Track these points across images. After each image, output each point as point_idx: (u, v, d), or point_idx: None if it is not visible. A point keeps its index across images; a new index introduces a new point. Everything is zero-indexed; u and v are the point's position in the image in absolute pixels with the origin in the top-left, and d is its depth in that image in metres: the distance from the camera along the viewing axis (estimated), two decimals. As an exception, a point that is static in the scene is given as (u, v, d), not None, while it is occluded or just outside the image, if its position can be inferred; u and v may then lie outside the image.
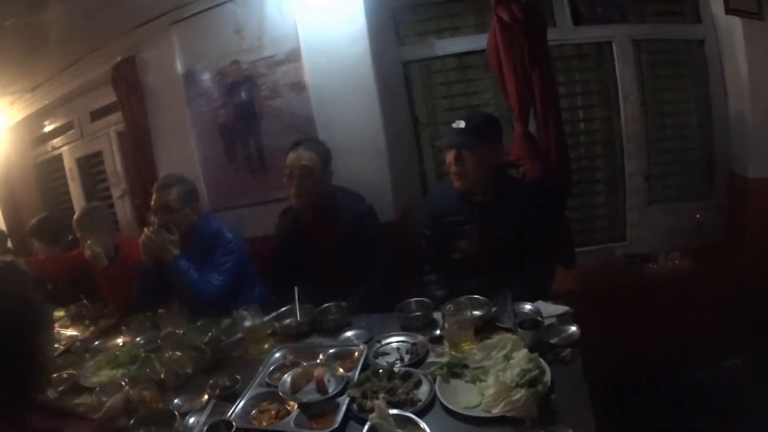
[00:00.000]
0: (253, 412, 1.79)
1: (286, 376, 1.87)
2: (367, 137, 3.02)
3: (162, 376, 2.13)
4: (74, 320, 3.11)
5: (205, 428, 1.66)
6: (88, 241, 3.15)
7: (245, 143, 3.41)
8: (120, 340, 2.67)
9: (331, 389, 1.74)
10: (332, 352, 2.00)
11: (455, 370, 1.66)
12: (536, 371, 1.46)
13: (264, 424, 1.71)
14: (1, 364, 1.27)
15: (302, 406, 1.72)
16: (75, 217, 3.20)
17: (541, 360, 1.55)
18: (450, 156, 2.31)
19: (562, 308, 1.89)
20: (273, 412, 1.76)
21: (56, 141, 4.74)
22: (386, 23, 3.18)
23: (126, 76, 3.63)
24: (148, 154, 3.80)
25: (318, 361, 1.95)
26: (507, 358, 1.57)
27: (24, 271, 1.53)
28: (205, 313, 2.63)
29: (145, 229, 2.76)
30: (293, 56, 3.13)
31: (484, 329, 1.90)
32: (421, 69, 3.28)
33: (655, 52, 3.21)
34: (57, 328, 3.06)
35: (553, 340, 1.69)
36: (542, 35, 2.51)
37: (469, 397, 1.53)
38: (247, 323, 2.30)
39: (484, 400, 1.46)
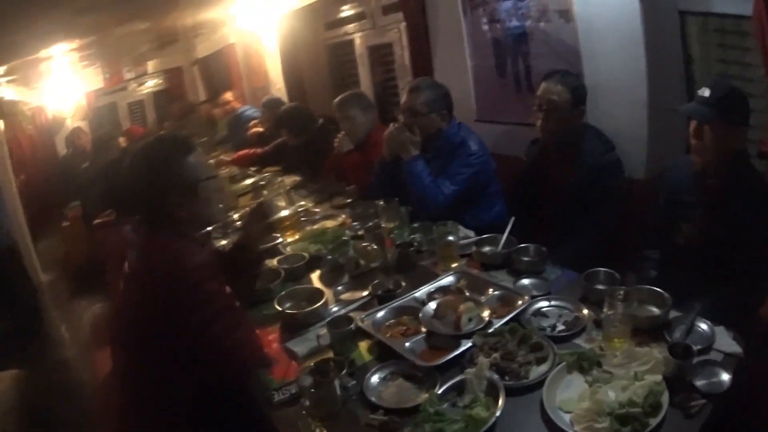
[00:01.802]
0: (391, 321, 1.86)
1: (436, 300, 1.86)
2: (627, 83, 2.66)
3: (343, 261, 2.33)
4: (318, 194, 3.54)
5: (329, 318, 1.81)
6: (339, 134, 3.55)
7: (514, 61, 3.34)
8: (340, 219, 2.98)
9: (465, 329, 1.69)
10: (497, 294, 1.93)
11: (584, 363, 1.45)
12: (640, 410, 1.20)
13: (387, 335, 1.77)
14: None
15: (429, 333, 1.73)
16: (338, 98, 3.50)
17: (663, 397, 1.25)
18: (692, 127, 1.96)
19: (736, 347, 1.46)
20: (404, 329, 1.80)
21: (349, 27, 5.14)
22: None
23: (407, -21, 3.75)
24: (426, 55, 3.96)
25: (483, 297, 1.90)
26: (637, 377, 1.31)
27: (180, 141, 1.79)
28: (427, 217, 2.70)
29: (391, 125, 2.91)
30: (562, -19, 2.86)
31: (651, 333, 1.58)
32: (698, 23, 2.66)
33: None
34: (293, 196, 3.56)
35: (698, 382, 1.33)
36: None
37: (570, 399, 1.35)
38: (450, 238, 2.31)
39: (575, 410, 1.27)
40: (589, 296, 1.84)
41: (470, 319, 1.72)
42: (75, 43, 5.12)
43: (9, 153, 5.91)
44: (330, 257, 2.40)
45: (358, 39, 5.10)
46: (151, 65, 9.68)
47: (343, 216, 3.03)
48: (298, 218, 2.97)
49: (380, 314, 1.88)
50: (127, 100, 10.35)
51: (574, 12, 2.82)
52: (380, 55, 4.95)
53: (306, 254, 2.45)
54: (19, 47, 4.39)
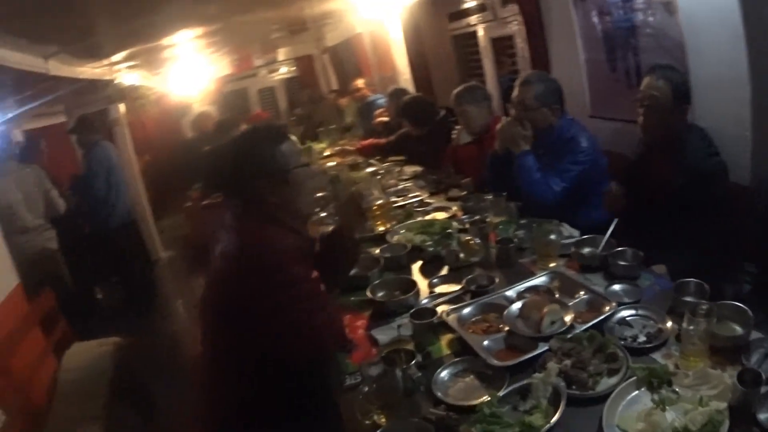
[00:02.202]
0: (477, 317, 1.90)
1: (524, 300, 1.88)
2: (730, 80, 2.46)
3: (444, 253, 2.40)
4: (434, 185, 3.65)
5: (413, 310, 1.89)
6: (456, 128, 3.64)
7: (624, 56, 3.21)
8: (452, 211, 3.06)
9: (546, 331, 1.69)
10: (587, 297, 1.91)
11: (654, 381, 1.40)
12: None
13: (469, 330, 1.82)
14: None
15: (509, 332, 1.75)
16: (455, 91, 3.57)
17: (723, 427, 1.19)
18: None
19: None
20: (487, 325, 1.84)
21: (472, 19, 5.12)
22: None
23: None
24: (542, 48, 3.93)
25: (572, 300, 1.90)
26: (702, 402, 1.27)
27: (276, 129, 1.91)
28: (536, 213, 2.71)
29: (503, 118, 2.95)
30: (664, -28, 2.67)
31: (729, 353, 1.49)
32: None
33: None
34: (411, 184, 3.72)
35: (762, 415, 1.23)
36: None
37: (630, 417, 1.31)
38: (551, 237, 2.30)
39: (630, 431, 1.26)
40: (676, 308, 1.76)
41: (553, 322, 1.72)
42: (199, 31, 5.18)
43: (131, 135, 6.35)
44: (432, 249, 2.47)
45: (481, 30, 5.08)
46: (281, 53, 9.97)
47: (455, 208, 3.09)
48: (389, 208, 3.04)
49: (467, 309, 1.92)
50: (257, 87, 10.75)
51: (677, 3, 2.66)
52: (503, 47, 4.91)
53: (408, 244, 2.54)
54: (139, 35, 4.44)
